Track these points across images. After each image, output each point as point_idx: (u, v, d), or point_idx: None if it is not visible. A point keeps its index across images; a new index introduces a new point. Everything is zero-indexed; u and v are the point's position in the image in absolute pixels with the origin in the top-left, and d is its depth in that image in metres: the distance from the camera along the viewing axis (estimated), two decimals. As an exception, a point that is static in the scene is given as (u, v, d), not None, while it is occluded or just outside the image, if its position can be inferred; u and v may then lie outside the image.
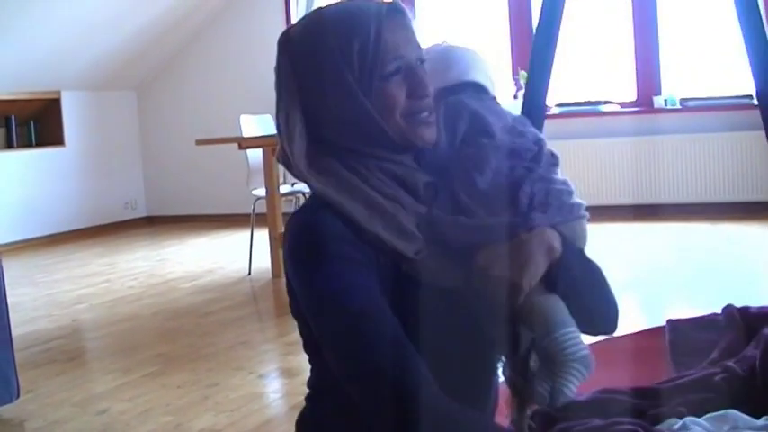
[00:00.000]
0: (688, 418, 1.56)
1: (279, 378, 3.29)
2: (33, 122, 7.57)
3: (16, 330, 3.40)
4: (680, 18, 6.80)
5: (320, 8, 1.38)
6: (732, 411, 1.57)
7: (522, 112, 2.35)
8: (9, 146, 7.32)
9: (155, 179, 8.46)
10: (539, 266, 1.27)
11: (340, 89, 1.31)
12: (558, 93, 6.85)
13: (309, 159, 1.33)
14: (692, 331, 2.26)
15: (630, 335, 2.40)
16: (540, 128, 2.35)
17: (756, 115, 6.60)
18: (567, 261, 1.30)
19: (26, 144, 7.50)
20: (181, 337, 4.00)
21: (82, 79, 7.71)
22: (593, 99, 6.88)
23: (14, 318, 3.33)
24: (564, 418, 1.67)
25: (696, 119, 6.56)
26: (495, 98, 1.48)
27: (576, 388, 1.22)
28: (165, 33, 7.81)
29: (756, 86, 2.39)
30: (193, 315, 4.42)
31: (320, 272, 1.25)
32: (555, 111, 6.87)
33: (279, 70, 1.37)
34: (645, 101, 6.75)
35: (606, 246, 5.64)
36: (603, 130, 6.81)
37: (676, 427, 1.53)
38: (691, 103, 6.56)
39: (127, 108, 8.41)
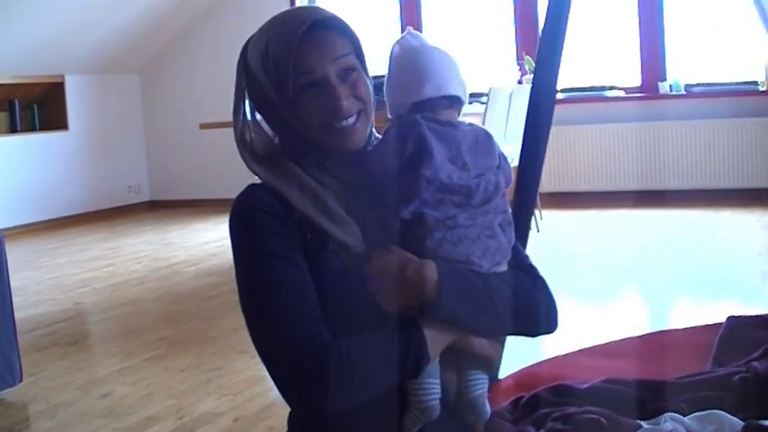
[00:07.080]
0: (668, 414, 1.55)
1: (282, 362, 3.29)
2: (37, 106, 7.56)
3: (19, 314, 3.41)
4: (685, 3, 6.76)
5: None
6: (719, 412, 1.54)
7: (531, 102, 2.33)
8: (13, 130, 7.32)
9: (158, 163, 8.45)
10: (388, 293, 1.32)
11: (264, 93, 1.40)
12: (563, 78, 6.82)
13: (261, 149, 1.44)
14: (748, 328, 2.19)
15: (686, 329, 2.33)
16: (549, 118, 2.34)
17: (761, 101, 6.58)
18: (448, 290, 1.32)
19: (30, 128, 7.49)
20: (184, 320, 4.00)
21: (86, 63, 7.69)
22: (598, 84, 6.87)
23: (17, 301, 3.33)
24: (562, 404, 1.66)
25: (701, 105, 6.53)
26: (462, 103, 1.46)
27: (416, 428, 1.35)
28: (169, 17, 7.79)
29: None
30: (197, 299, 4.42)
31: (245, 243, 1.36)
32: (560, 96, 6.83)
33: (237, 68, 1.45)
34: (650, 86, 6.72)
35: (610, 231, 5.66)
36: (608, 115, 6.79)
37: (660, 424, 1.52)
38: (696, 89, 6.54)
39: (131, 92, 8.40)
